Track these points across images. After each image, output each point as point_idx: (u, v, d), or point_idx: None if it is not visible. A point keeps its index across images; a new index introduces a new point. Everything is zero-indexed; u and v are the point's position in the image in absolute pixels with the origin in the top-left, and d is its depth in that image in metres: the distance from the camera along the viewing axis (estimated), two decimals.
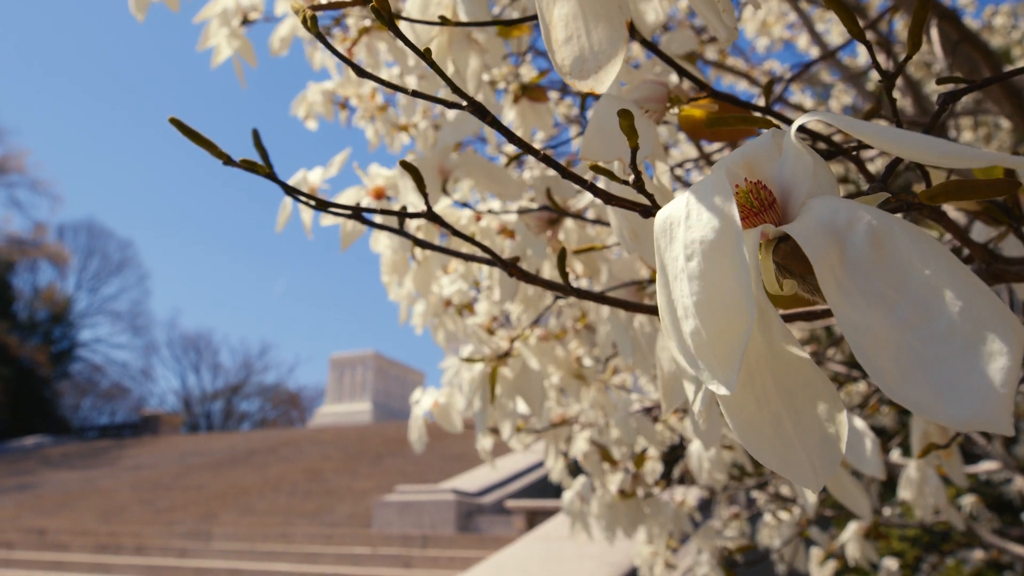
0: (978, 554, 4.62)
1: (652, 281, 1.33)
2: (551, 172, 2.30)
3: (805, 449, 0.39)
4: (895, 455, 2.42)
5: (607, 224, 1.42)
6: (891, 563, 3.78)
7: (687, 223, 0.39)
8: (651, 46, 0.74)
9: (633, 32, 0.74)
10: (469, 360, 1.48)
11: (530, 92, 1.58)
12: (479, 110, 0.50)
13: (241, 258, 72.03)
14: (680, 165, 2.20)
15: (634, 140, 0.46)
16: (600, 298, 0.64)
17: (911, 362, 0.33)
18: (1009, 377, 0.31)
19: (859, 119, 0.40)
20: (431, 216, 0.60)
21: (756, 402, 0.40)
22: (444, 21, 0.88)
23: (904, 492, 1.82)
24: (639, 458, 1.97)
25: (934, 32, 2.07)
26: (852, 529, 2.67)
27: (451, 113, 2.08)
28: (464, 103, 0.50)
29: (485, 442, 1.95)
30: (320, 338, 69.81)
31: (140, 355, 45.26)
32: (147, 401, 34.97)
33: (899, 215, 0.45)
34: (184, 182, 71.96)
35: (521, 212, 1.44)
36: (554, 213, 1.39)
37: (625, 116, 0.45)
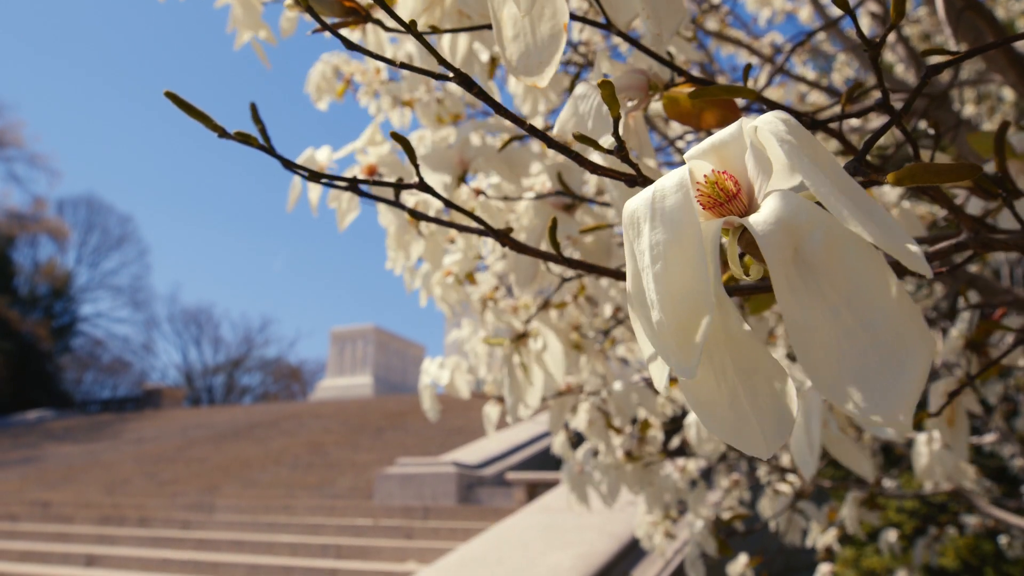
0: (975, 519, 4.67)
1: None
2: (561, 157, 2.29)
3: (760, 421, 0.42)
4: None
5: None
6: (891, 534, 3.83)
7: (651, 223, 0.42)
8: (627, 37, 0.75)
9: (611, 25, 0.77)
10: (490, 343, 1.49)
11: None
12: (465, 81, 0.50)
13: (241, 233, 72.10)
14: (680, 146, 2.20)
15: (616, 110, 0.47)
16: (596, 269, 0.65)
17: (840, 363, 0.38)
18: (915, 388, 0.36)
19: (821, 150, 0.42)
20: (423, 187, 0.61)
21: (715, 378, 0.44)
22: None
23: (918, 465, 1.84)
24: (644, 424, 1.98)
25: (939, 0, 2.06)
26: (850, 499, 2.70)
27: (452, 87, 2.07)
28: (451, 74, 0.50)
29: (520, 410, 1.96)
30: (321, 312, 70.05)
31: (141, 329, 45.47)
32: (149, 375, 35.19)
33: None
34: (184, 157, 71.79)
35: (538, 197, 1.44)
36: (568, 198, 1.40)
37: (605, 87, 0.45)
